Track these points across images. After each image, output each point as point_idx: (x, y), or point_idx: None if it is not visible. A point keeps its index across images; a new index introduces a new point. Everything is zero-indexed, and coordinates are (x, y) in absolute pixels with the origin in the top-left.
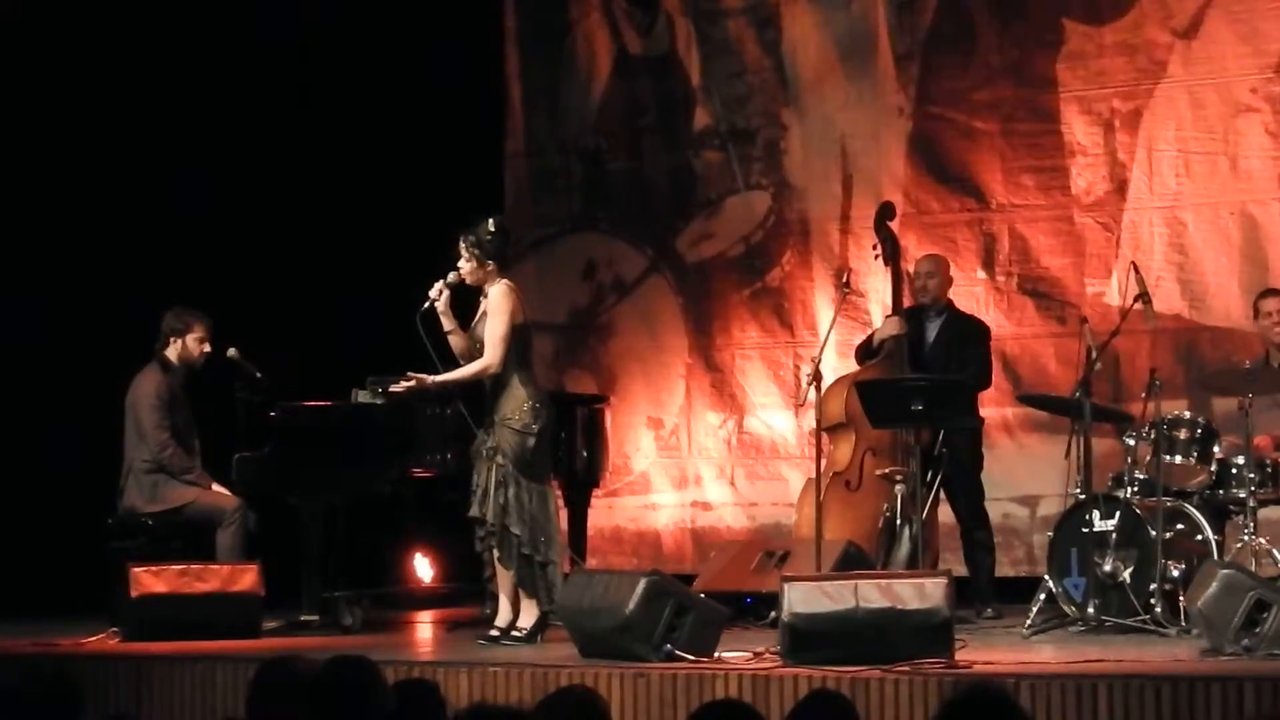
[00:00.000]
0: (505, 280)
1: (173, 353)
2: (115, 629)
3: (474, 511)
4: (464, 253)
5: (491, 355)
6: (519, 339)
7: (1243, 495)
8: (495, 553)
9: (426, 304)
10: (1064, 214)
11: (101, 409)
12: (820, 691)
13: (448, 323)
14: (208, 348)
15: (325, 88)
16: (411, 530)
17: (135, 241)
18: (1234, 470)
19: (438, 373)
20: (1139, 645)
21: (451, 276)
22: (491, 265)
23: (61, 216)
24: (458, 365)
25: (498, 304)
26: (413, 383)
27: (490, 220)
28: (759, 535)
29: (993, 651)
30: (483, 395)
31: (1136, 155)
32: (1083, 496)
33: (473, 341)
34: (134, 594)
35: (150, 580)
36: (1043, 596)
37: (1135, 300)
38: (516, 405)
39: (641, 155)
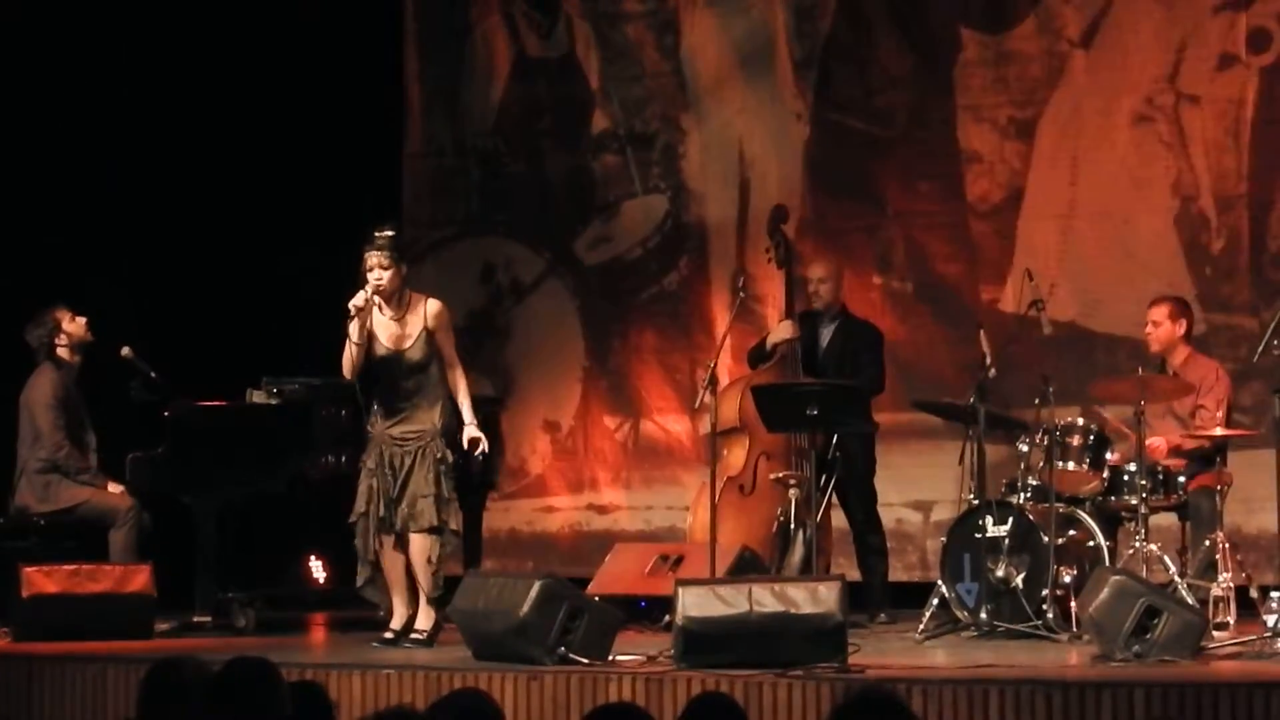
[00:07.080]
0: (439, 301)
1: (63, 350)
2: (5, 629)
3: (432, 519)
4: (384, 262)
5: (459, 368)
6: None
7: (1134, 502)
8: (420, 551)
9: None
10: (959, 220)
11: None
12: (708, 694)
13: (363, 334)
14: (82, 319)
15: (222, 88)
16: (306, 531)
17: (24, 240)
18: (1126, 477)
19: None
20: (1031, 651)
21: (370, 288)
22: (404, 268)
23: None
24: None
25: (448, 321)
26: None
27: (390, 225)
28: (653, 539)
29: (885, 656)
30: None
31: (1032, 163)
32: (976, 502)
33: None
34: (25, 594)
35: (41, 580)
36: (935, 601)
37: (1029, 307)
38: (447, 414)
39: (540, 158)
